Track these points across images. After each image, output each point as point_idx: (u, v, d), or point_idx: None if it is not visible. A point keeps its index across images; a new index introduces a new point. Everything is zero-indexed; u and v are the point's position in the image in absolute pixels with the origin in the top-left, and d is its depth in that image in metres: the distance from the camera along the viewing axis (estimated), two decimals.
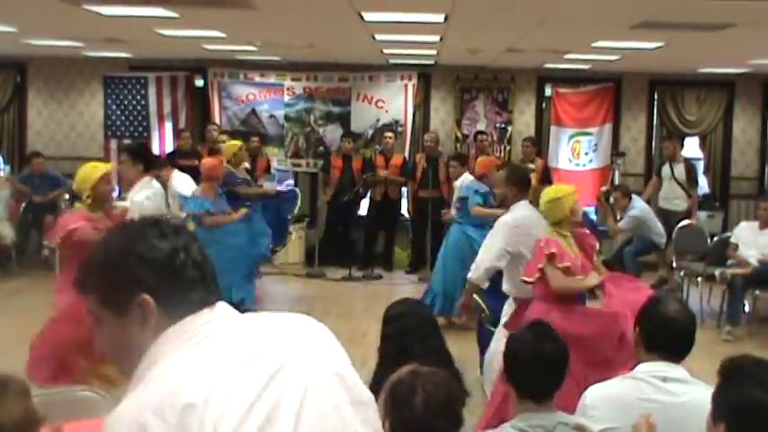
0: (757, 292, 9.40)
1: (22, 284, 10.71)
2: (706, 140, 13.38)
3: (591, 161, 13.20)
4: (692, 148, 13.65)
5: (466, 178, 9.58)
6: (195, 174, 9.28)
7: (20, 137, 13.92)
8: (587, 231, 6.08)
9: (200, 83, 13.30)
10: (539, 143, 12.61)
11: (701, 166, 13.50)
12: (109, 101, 13.00)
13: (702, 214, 12.60)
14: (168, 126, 13.15)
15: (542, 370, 3.04)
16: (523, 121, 13.35)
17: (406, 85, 12.87)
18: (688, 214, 11.23)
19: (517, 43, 9.45)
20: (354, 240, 12.38)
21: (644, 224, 10.66)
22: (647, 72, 13.03)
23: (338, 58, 12.37)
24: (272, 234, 9.33)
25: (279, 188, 11.20)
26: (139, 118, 12.97)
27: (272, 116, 13.12)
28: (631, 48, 9.38)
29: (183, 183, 9.20)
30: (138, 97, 12.95)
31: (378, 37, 9.30)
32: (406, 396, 2.60)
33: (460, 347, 6.64)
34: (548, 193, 5.71)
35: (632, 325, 3.55)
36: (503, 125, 13.22)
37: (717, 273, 9.44)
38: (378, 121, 12.93)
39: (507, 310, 6.06)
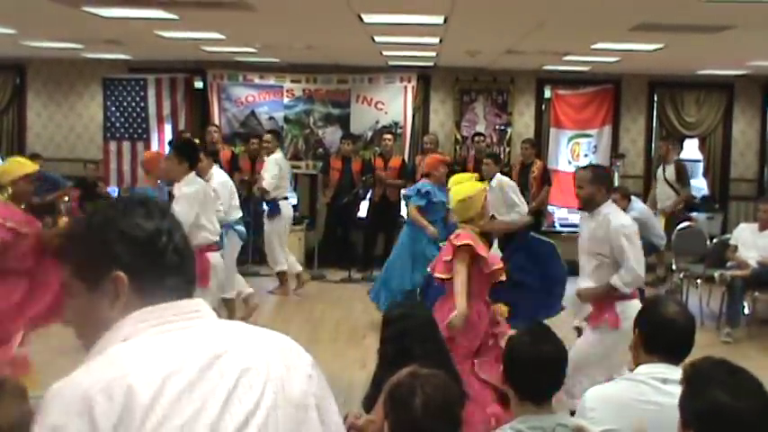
0: (756, 293, 9.40)
1: None
2: (705, 142, 13.38)
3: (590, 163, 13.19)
4: (691, 149, 13.66)
5: (500, 178, 9.64)
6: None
7: (19, 139, 13.92)
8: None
9: (199, 85, 13.31)
10: (538, 145, 12.61)
11: (700, 168, 13.51)
12: (108, 103, 13.01)
13: (702, 216, 12.61)
14: (167, 128, 13.15)
15: (541, 372, 3.04)
16: (523, 123, 13.36)
17: (405, 87, 12.87)
18: (672, 212, 11.29)
19: (516, 45, 9.45)
20: (354, 242, 12.39)
21: (644, 226, 10.64)
22: (647, 74, 13.03)
23: (337, 59, 12.37)
24: None
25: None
26: (139, 120, 12.98)
27: (271, 118, 13.12)
28: (631, 49, 9.38)
29: (219, 176, 9.02)
30: (138, 99, 12.96)
31: (377, 39, 9.30)
32: (406, 398, 2.60)
33: None
34: (458, 192, 5.73)
35: None
36: (502, 127, 13.22)
37: (716, 274, 9.44)
38: (377, 122, 12.94)
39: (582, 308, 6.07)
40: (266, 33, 9.53)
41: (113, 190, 12.73)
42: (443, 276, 5.43)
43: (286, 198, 10.82)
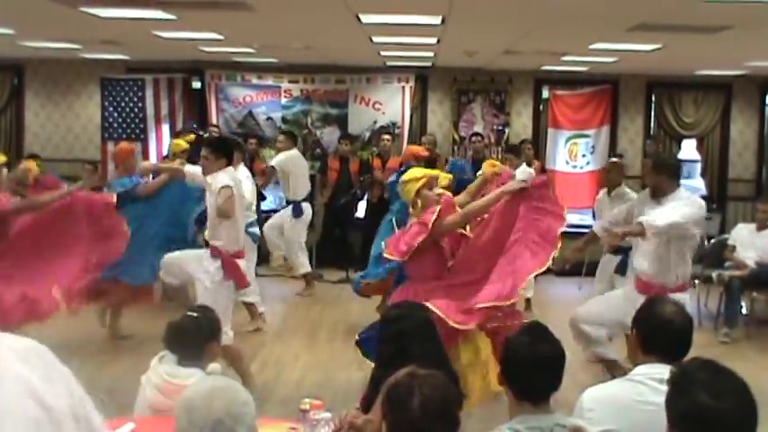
0: (755, 293, 9.41)
1: None
2: (703, 142, 13.39)
3: (588, 163, 13.20)
4: (689, 150, 13.66)
5: (525, 169, 9.64)
6: None
7: (17, 139, 13.91)
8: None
9: (197, 85, 13.32)
10: (536, 145, 12.61)
11: (698, 169, 13.51)
12: (106, 103, 13.00)
13: None
14: (165, 128, 13.15)
15: (539, 372, 3.04)
16: (520, 124, 13.36)
17: (403, 88, 12.89)
18: None
19: (514, 45, 9.45)
20: (352, 242, 12.39)
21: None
22: (645, 74, 13.04)
23: (335, 60, 12.37)
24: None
25: None
26: (137, 120, 12.97)
27: (269, 118, 13.13)
28: (629, 50, 9.39)
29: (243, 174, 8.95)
30: (136, 99, 12.94)
31: (375, 39, 9.30)
32: (404, 398, 2.60)
33: None
34: (404, 175, 5.99)
35: None
36: (500, 127, 13.23)
37: (714, 275, 9.44)
38: (375, 123, 12.95)
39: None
40: (264, 33, 9.52)
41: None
42: (394, 257, 5.63)
43: (306, 200, 10.82)
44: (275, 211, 11.24)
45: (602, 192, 8.60)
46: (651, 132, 13.35)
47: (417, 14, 7.47)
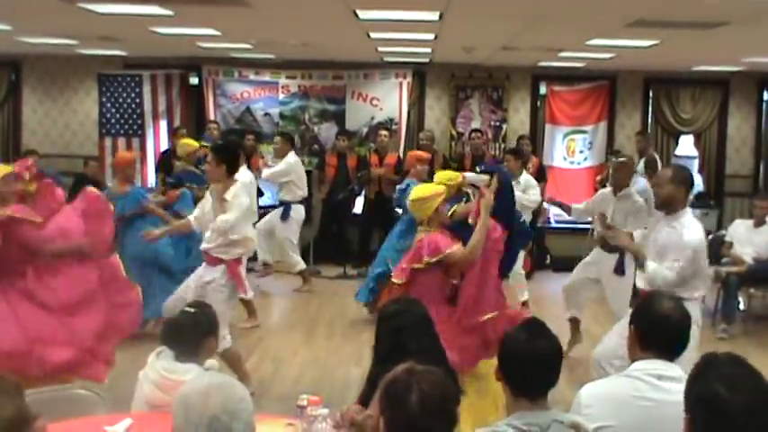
0: (752, 289, 9.42)
1: None
2: (701, 138, 13.39)
3: (585, 159, 13.22)
4: (686, 146, 13.66)
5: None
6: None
7: (14, 135, 13.90)
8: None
9: (194, 81, 13.30)
10: (533, 141, 12.63)
11: (695, 165, 13.50)
12: (103, 99, 13.00)
13: (697, 212, 12.60)
14: (163, 124, 13.15)
15: (536, 368, 3.03)
16: (518, 120, 13.36)
17: (400, 83, 12.88)
18: None
19: (512, 41, 9.45)
20: (349, 238, 12.40)
21: (648, 202, 10.63)
22: (642, 70, 13.04)
23: (333, 55, 12.36)
24: None
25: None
26: (134, 116, 12.97)
27: (266, 114, 13.13)
28: (626, 46, 9.39)
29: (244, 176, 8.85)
30: (133, 95, 12.94)
31: (372, 35, 9.29)
32: (402, 395, 2.59)
33: None
34: (414, 192, 5.74)
35: None
36: (497, 123, 13.22)
37: (711, 271, 9.44)
38: (372, 119, 12.94)
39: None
40: (261, 29, 9.52)
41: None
42: (400, 282, 5.46)
43: (300, 202, 10.79)
44: (273, 206, 11.22)
45: (607, 190, 8.27)
46: (649, 128, 13.31)
47: (415, 10, 7.46)
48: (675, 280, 5.21)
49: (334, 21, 8.18)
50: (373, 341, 3.94)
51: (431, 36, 9.31)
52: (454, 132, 13.23)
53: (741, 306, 9.54)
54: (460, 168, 9.88)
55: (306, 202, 11.03)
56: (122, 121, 12.98)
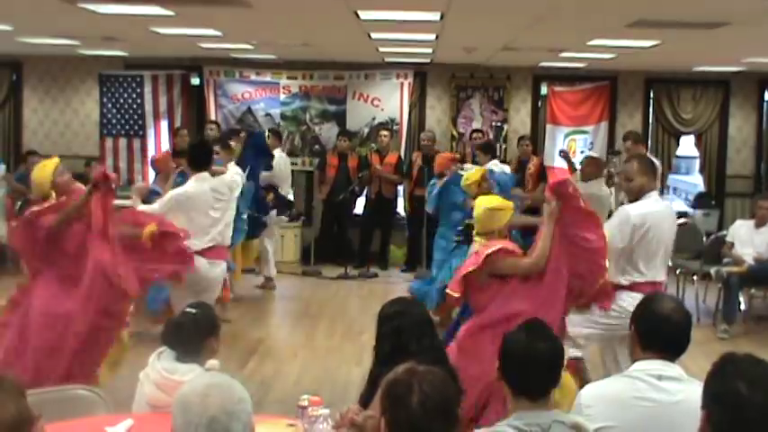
0: (753, 290, 9.43)
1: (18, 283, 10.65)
2: (702, 139, 13.38)
3: None
4: (687, 146, 13.66)
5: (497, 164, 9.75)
6: None
7: (15, 135, 13.90)
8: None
9: (195, 81, 13.30)
10: (534, 141, 12.62)
11: (696, 165, 13.51)
12: (104, 99, 13.01)
13: (698, 212, 12.63)
14: (164, 124, 13.15)
15: (536, 369, 3.03)
16: (519, 120, 13.36)
17: (401, 84, 12.88)
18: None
19: (513, 41, 9.45)
20: (350, 239, 12.39)
21: None
22: (643, 70, 13.03)
23: (334, 56, 12.36)
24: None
25: None
26: (135, 116, 12.98)
27: (267, 114, 13.12)
28: (627, 46, 9.38)
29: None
30: (134, 95, 12.95)
31: (373, 35, 9.29)
32: (403, 395, 2.59)
33: None
34: (490, 201, 5.75)
35: None
36: (498, 123, 13.22)
37: (712, 271, 9.45)
38: (373, 119, 12.94)
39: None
40: (263, 30, 9.52)
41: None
42: (456, 294, 5.33)
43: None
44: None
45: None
46: (650, 129, 13.31)
47: (416, 11, 7.46)
48: (613, 242, 5.47)
49: (335, 21, 8.18)
50: (374, 342, 3.94)
51: (432, 36, 9.31)
52: (455, 133, 13.23)
53: (742, 306, 9.54)
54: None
55: (308, 201, 11.00)
56: (123, 122, 12.98)
